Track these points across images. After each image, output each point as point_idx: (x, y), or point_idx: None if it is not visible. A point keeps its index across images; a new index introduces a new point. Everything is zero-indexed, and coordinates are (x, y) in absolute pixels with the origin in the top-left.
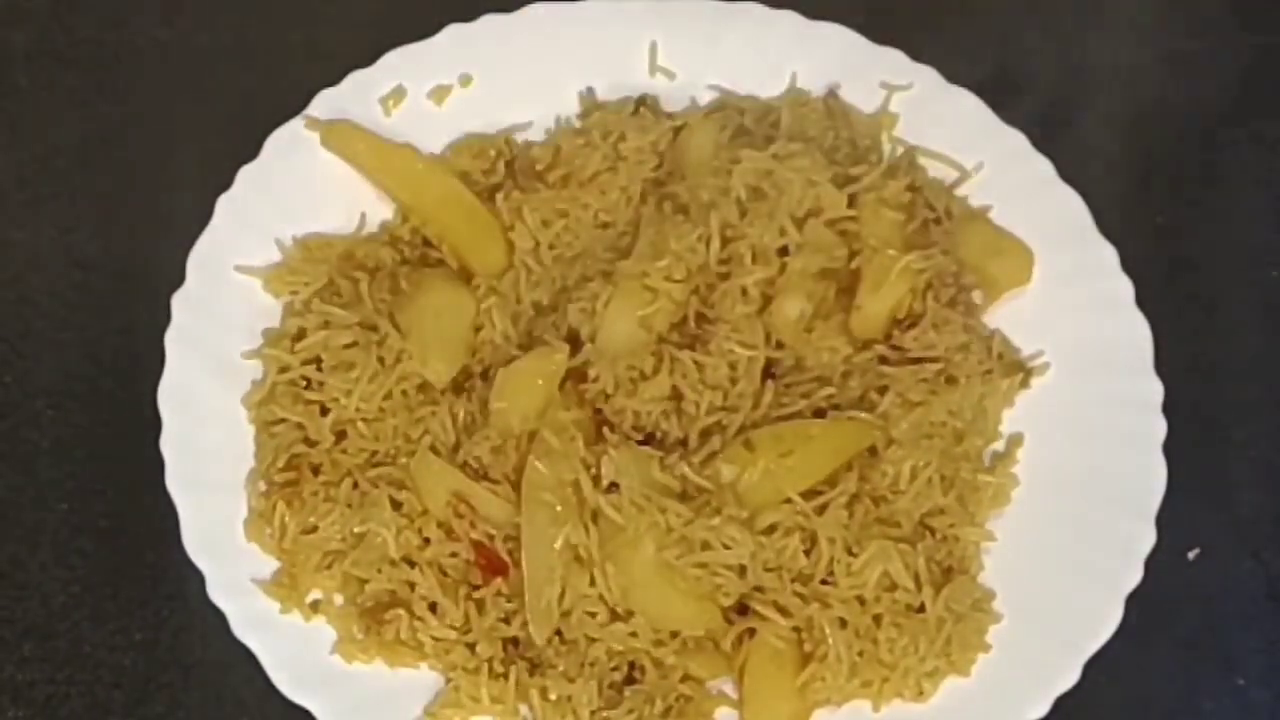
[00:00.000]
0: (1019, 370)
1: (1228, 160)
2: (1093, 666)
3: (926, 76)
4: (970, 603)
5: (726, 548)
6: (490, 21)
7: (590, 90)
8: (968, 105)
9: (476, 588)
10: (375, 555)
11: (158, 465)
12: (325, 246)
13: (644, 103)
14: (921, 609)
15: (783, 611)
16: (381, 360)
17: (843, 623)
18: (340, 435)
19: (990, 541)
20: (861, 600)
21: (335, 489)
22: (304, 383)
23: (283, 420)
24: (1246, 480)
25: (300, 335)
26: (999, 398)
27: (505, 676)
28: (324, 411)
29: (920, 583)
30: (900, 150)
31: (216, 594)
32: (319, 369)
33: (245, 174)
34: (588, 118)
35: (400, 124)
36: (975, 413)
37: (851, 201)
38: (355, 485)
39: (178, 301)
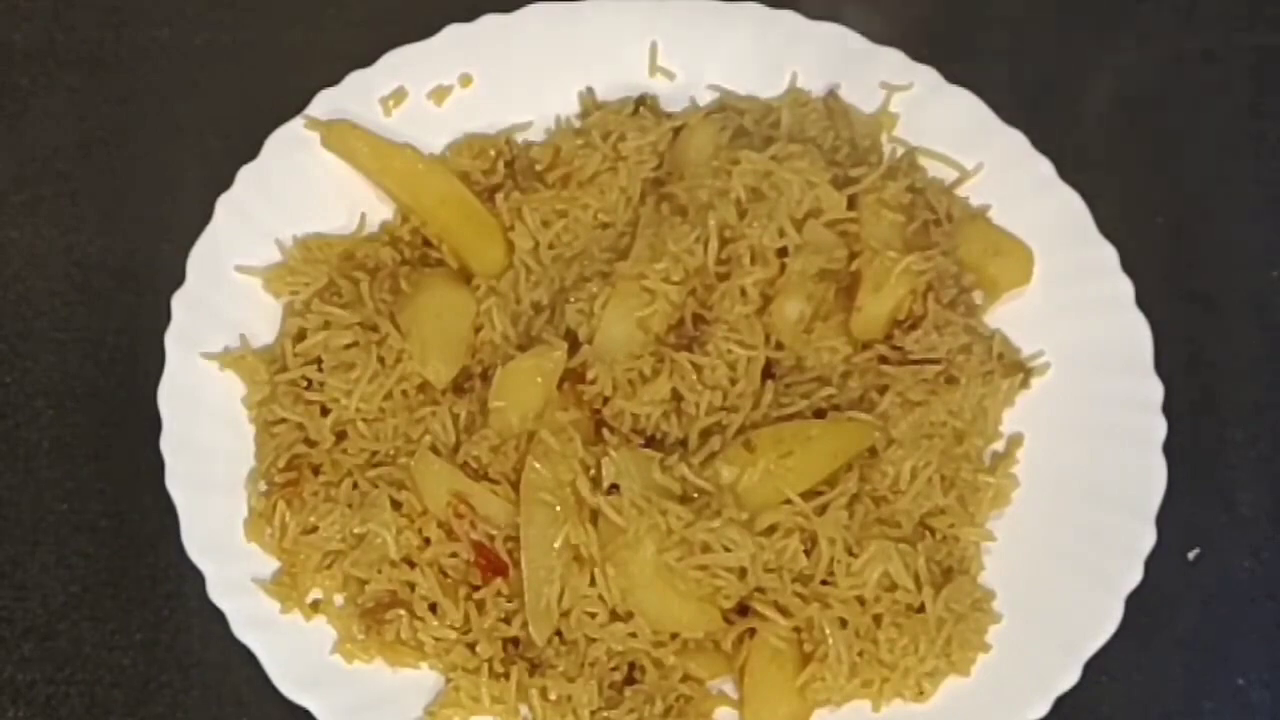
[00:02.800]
0: (1019, 370)
1: (1228, 160)
2: (1093, 666)
3: (926, 76)
4: (970, 603)
5: (727, 550)
6: (490, 21)
7: (590, 90)
8: (968, 105)
9: (477, 588)
10: (375, 556)
11: (158, 465)
12: (325, 247)
13: (644, 103)
14: (921, 609)
15: (783, 612)
16: (381, 360)
17: (843, 623)
18: (340, 435)
19: (990, 541)
20: (861, 600)
21: (335, 489)
22: (304, 383)
23: (283, 420)
24: (1246, 480)
25: (301, 336)
26: (999, 398)
27: (506, 676)
28: (324, 412)
29: (920, 583)
30: (900, 151)
31: (216, 594)
32: (319, 369)
33: (245, 174)
34: (587, 118)
35: (400, 124)
36: (975, 413)
37: (852, 203)
38: (355, 486)
39: (178, 301)
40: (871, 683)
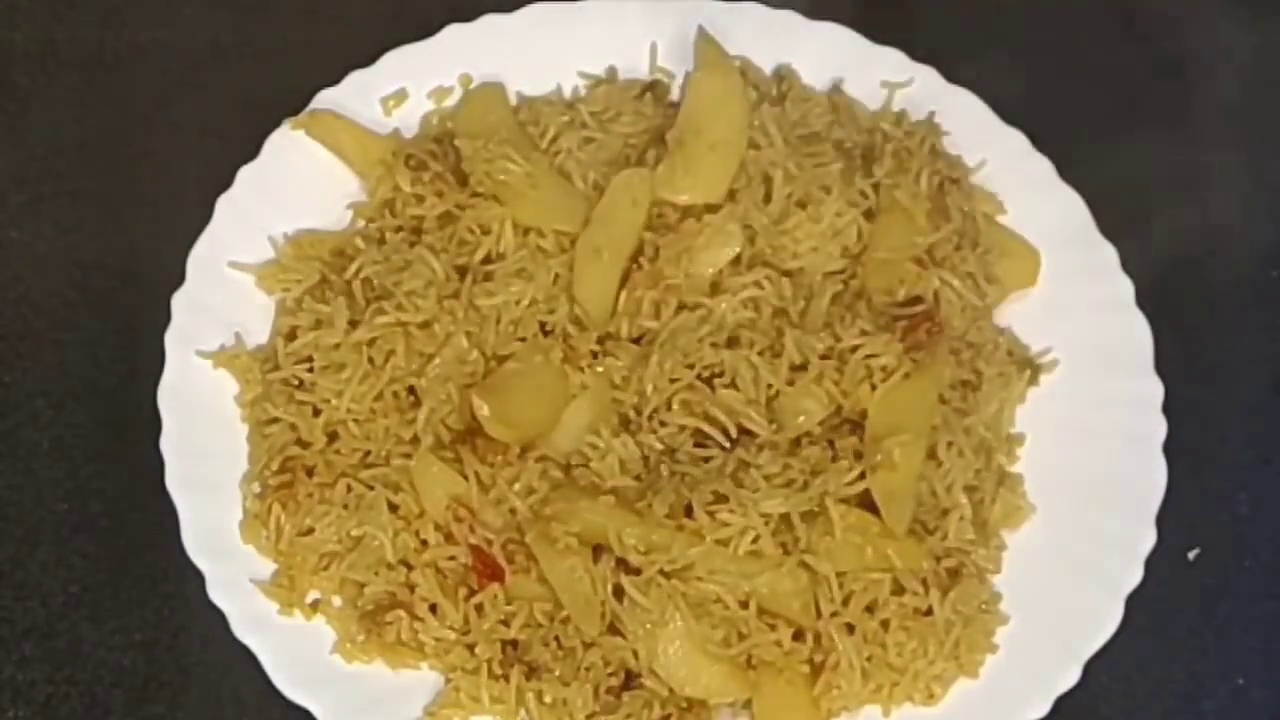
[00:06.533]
0: (1028, 367)
1: (1228, 160)
2: (1093, 666)
3: (926, 76)
4: (977, 604)
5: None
6: (490, 21)
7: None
8: (968, 105)
9: (474, 591)
10: (372, 558)
11: (158, 465)
12: (317, 243)
13: (652, 89)
14: (929, 612)
15: (797, 634)
16: (372, 361)
17: (850, 629)
18: (332, 436)
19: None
20: (869, 608)
21: (330, 490)
22: (296, 382)
23: (275, 420)
24: (1246, 480)
25: (293, 334)
26: (1013, 398)
27: (505, 679)
28: (316, 412)
29: (927, 586)
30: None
31: (216, 594)
32: (310, 370)
33: (245, 174)
34: (593, 92)
35: (400, 124)
36: (995, 419)
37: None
38: (350, 488)
39: (178, 301)
40: (882, 688)
